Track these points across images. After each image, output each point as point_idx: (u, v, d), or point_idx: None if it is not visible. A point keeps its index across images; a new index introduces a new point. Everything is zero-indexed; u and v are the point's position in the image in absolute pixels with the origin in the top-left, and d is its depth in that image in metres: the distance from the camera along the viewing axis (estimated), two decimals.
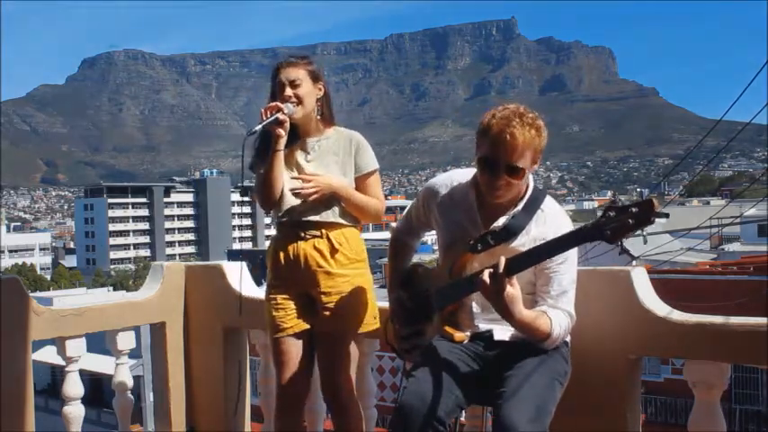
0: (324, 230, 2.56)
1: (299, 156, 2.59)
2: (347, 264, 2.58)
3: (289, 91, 2.52)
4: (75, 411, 3.03)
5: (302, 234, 2.56)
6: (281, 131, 2.47)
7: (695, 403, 2.29)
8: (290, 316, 2.60)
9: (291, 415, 2.69)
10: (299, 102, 2.53)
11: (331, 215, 2.56)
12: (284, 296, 2.61)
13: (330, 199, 2.55)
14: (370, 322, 2.63)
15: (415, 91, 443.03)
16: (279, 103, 2.49)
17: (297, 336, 2.61)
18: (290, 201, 2.55)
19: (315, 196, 2.50)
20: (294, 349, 2.61)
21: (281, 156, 2.51)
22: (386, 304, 2.61)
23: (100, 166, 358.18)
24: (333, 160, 2.58)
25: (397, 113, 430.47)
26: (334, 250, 2.56)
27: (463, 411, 2.36)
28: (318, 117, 2.61)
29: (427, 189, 2.33)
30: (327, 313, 2.57)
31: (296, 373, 2.62)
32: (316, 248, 2.55)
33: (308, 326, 2.61)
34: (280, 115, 2.46)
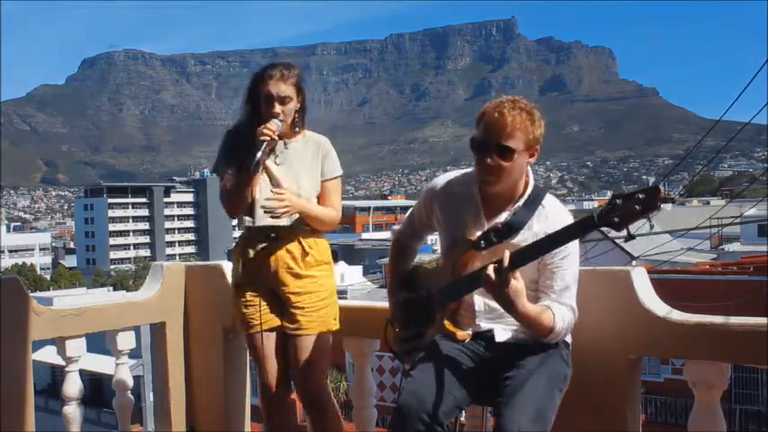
0: (295, 235, 2.61)
1: (270, 162, 2.61)
2: (315, 265, 2.65)
3: (278, 108, 2.53)
4: (75, 411, 3.03)
5: (274, 236, 2.60)
6: (265, 155, 2.51)
7: (695, 403, 2.29)
8: (259, 313, 2.64)
9: (279, 413, 2.72)
10: (285, 119, 2.56)
11: (301, 221, 2.61)
12: (253, 294, 2.65)
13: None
14: (333, 323, 2.69)
15: (415, 91, 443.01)
16: (270, 126, 2.49)
17: (269, 331, 2.66)
18: (258, 206, 2.58)
19: (285, 215, 2.53)
20: (267, 345, 2.67)
21: (258, 175, 2.53)
22: (384, 305, 2.61)
23: (100, 166, 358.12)
24: (301, 165, 2.62)
25: (397, 113, 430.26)
26: (304, 253, 2.62)
27: (463, 411, 2.36)
28: (292, 127, 2.63)
29: (429, 189, 2.33)
30: (294, 311, 2.61)
31: (273, 366, 2.68)
32: (287, 251, 2.60)
33: (278, 322, 2.65)
34: (273, 136, 2.48)
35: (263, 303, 2.64)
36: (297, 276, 2.61)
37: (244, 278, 2.68)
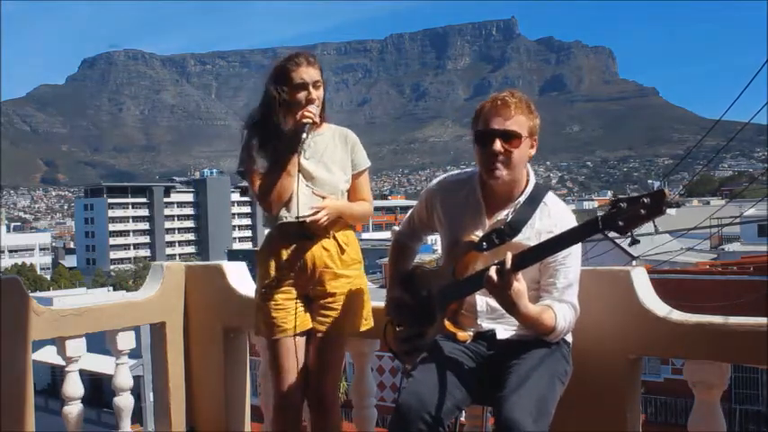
0: (331, 230, 2.55)
1: (300, 156, 2.54)
2: (351, 264, 2.59)
3: (314, 93, 2.50)
4: (75, 411, 3.03)
5: (308, 234, 2.52)
6: (307, 137, 2.46)
7: (695, 403, 2.29)
8: (291, 316, 2.56)
9: (292, 415, 2.68)
10: (319, 104, 2.53)
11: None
12: (285, 297, 2.56)
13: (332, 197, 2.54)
14: (365, 323, 2.64)
15: (415, 91, 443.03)
16: (310, 109, 2.46)
17: (300, 335, 2.58)
18: (300, 201, 2.50)
19: (326, 222, 2.49)
20: (294, 350, 2.58)
21: (297, 160, 2.47)
22: (383, 305, 2.61)
23: (100, 166, 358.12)
24: (331, 158, 2.56)
25: (397, 113, 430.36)
26: (341, 250, 2.56)
27: (463, 411, 2.36)
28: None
29: (429, 190, 2.34)
30: (328, 313, 2.56)
31: (296, 374, 2.60)
32: (324, 248, 2.54)
33: (310, 325, 2.59)
34: (315, 118, 2.46)
35: (294, 306, 2.56)
36: (334, 276, 2.54)
37: (275, 279, 2.56)
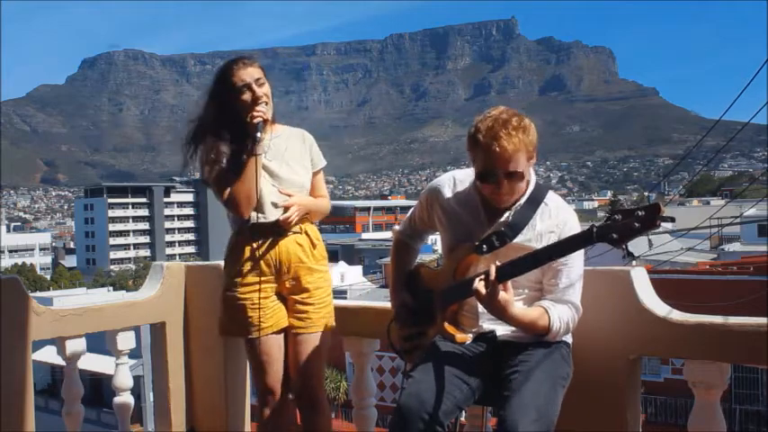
0: (302, 226, 2.60)
1: (264, 156, 2.56)
2: (321, 259, 2.65)
3: (259, 90, 2.52)
4: (75, 411, 3.03)
5: (280, 231, 2.56)
6: (263, 135, 2.49)
7: (695, 403, 2.29)
8: (268, 315, 2.58)
9: (280, 415, 2.69)
10: (268, 101, 2.54)
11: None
12: (262, 295, 2.58)
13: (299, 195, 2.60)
14: (332, 320, 2.68)
15: (415, 91, 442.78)
16: (259, 108, 2.49)
17: (277, 333, 2.62)
18: (266, 201, 2.54)
19: (296, 219, 2.54)
20: (275, 348, 2.62)
21: (260, 160, 2.50)
22: (386, 305, 2.61)
23: (100, 166, 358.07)
24: (292, 157, 2.61)
25: (397, 113, 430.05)
26: (313, 245, 2.61)
27: (463, 411, 2.36)
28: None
29: (429, 190, 2.33)
30: (303, 308, 2.59)
31: (278, 372, 2.63)
32: (297, 243, 2.58)
33: (286, 323, 2.62)
34: (266, 115, 2.48)
35: (270, 304, 2.59)
36: (309, 271, 2.59)
37: (247, 278, 2.59)
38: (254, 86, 2.52)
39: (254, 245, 2.57)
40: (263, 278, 2.57)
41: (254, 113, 2.47)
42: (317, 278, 2.62)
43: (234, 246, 2.64)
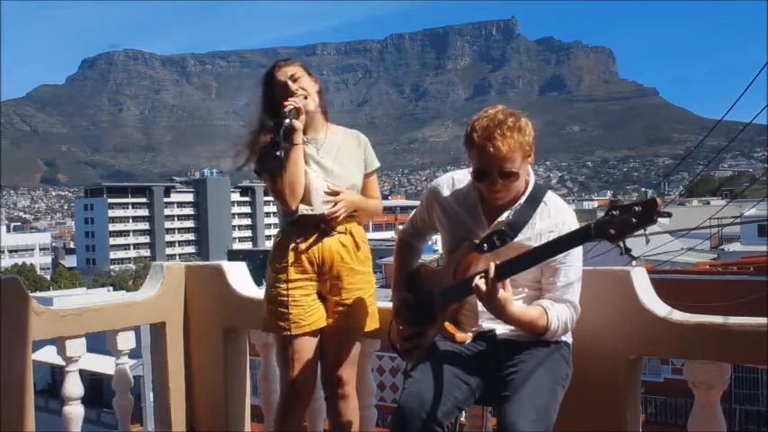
0: (347, 226, 2.59)
1: (310, 150, 2.58)
2: (365, 261, 2.63)
3: (293, 85, 2.54)
4: (75, 411, 3.03)
5: (325, 229, 2.55)
6: (298, 123, 2.48)
7: (695, 403, 2.29)
8: (308, 313, 2.57)
9: (297, 414, 2.69)
10: (307, 94, 2.55)
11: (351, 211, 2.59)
12: (302, 293, 2.57)
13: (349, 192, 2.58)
14: (372, 322, 2.66)
15: (415, 91, 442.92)
16: (293, 98, 2.49)
17: (313, 334, 2.59)
18: (315, 194, 2.53)
19: (344, 214, 2.54)
20: (308, 347, 2.59)
21: (301, 149, 2.50)
22: (387, 304, 2.61)
23: (100, 166, 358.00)
24: (347, 155, 2.62)
25: (397, 113, 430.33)
26: (357, 246, 2.59)
27: (463, 411, 2.36)
28: (320, 112, 2.63)
29: (429, 191, 2.34)
30: (342, 309, 2.58)
31: (307, 371, 2.60)
32: (341, 243, 2.57)
33: (325, 323, 2.60)
34: (298, 104, 2.47)
35: (310, 302, 2.57)
36: (351, 272, 2.57)
37: (291, 275, 2.56)
38: (289, 83, 2.55)
39: (298, 241, 2.56)
40: (304, 276, 2.56)
41: (285, 103, 2.48)
42: (359, 279, 2.60)
43: (279, 241, 2.63)
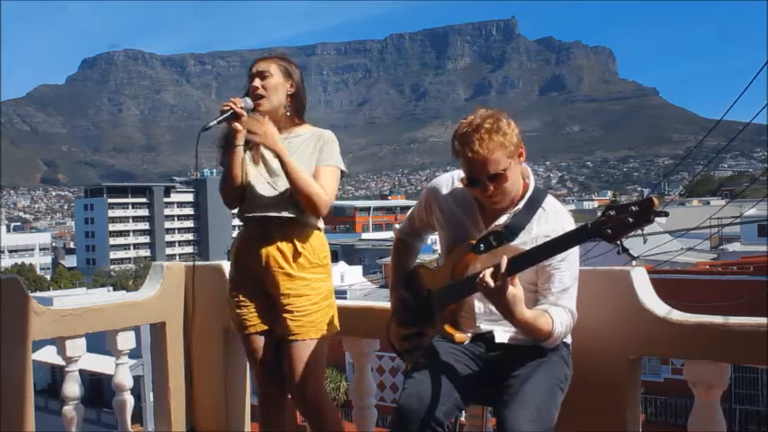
0: (289, 233, 2.55)
1: (266, 151, 2.55)
2: (308, 267, 2.57)
3: (257, 82, 2.54)
4: (75, 411, 3.03)
5: (267, 233, 2.55)
6: (238, 126, 2.46)
7: (695, 403, 2.29)
8: (252, 314, 2.63)
9: (276, 413, 2.71)
10: (266, 93, 2.54)
11: (292, 210, 2.52)
12: (247, 294, 2.63)
13: (291, 195, 2.50)
14: (326, 328, 2.61)
15: (415, 91, 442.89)
16: (235, 99, 2.49)
17: (260, 334, 2.65)
18: (254, 197, 2.55)
19: (258, 139, 2.45)
20: (260, 347, 2.66)
21: (240, 152, 2.51)
22: (387, 305, 2.60)
23: (100, 166, 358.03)
24: (299, 158, 2.52)
25: (397, 113, 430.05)
26: (297, 254, 2.55)
27: (463, 411, 2.36)
28: (287, 113, 2.59)
29: (428, 190, 2.33)
30: (286, 315, 2.56)
31: (270, 369, 2.65)
32: (279, 250, 2.55)
33: (266, 327, 2.63)
34: (236, 108, 2.45)
35: (255, 304, 2.62)
36: (289, 277, 2.54)
37: (237, 277, 2.66)
38: (257, 78, 2.54)
39: (244, 245, 2.62)
40: (247, 277, 2.61)
41: (223, 104, 2.47)
42: (300, 285, 2.55)
43: (232, 245, 2.72)
